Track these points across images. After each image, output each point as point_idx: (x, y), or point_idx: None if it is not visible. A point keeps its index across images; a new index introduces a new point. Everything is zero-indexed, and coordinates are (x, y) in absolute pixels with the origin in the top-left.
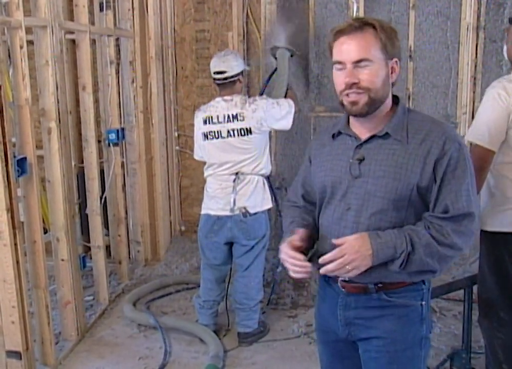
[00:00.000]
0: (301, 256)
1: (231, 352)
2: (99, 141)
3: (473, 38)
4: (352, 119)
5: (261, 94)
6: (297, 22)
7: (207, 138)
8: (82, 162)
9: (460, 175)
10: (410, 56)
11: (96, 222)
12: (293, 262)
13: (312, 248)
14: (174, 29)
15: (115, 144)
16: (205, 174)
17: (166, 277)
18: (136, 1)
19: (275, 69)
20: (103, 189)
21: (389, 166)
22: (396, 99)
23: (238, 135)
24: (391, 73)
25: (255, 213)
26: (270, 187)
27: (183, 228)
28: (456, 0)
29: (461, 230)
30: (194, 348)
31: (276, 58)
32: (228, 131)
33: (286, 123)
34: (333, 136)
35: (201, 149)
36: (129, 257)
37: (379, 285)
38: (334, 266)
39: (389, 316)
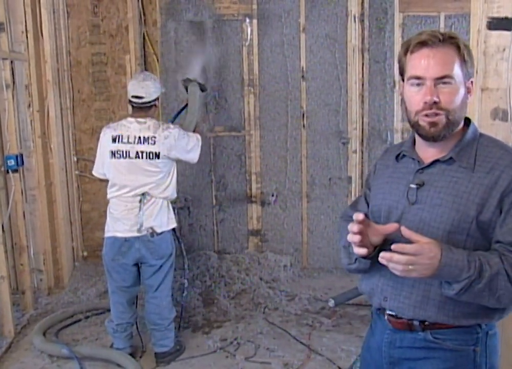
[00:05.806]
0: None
1: None
2: None
3: (359, 59)
4: (418, 141)
5: None
6: (195, 43)
7: (114, 156)
8: None
9: None
10: (303, 76)
11: None
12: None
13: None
14: (69, 52)
15: (15, 171)
16: (109, 195)
17: (78, 304)
18: (30, 24)
19: (185, 105)
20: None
21: (448, 195)
22: (467, 121)
23: (146, 158)
24: (468, 93)
25: (162, 233)
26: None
27: (85, 253)
28: (342, 24)
29: None
30: None
31: (187, 90)
32: (137, 153)
33: (193, 156)
34: (397, 158)
35: (106, 167)
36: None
37: (425, 323)
38: (403, 259)
39: (433, 360)
